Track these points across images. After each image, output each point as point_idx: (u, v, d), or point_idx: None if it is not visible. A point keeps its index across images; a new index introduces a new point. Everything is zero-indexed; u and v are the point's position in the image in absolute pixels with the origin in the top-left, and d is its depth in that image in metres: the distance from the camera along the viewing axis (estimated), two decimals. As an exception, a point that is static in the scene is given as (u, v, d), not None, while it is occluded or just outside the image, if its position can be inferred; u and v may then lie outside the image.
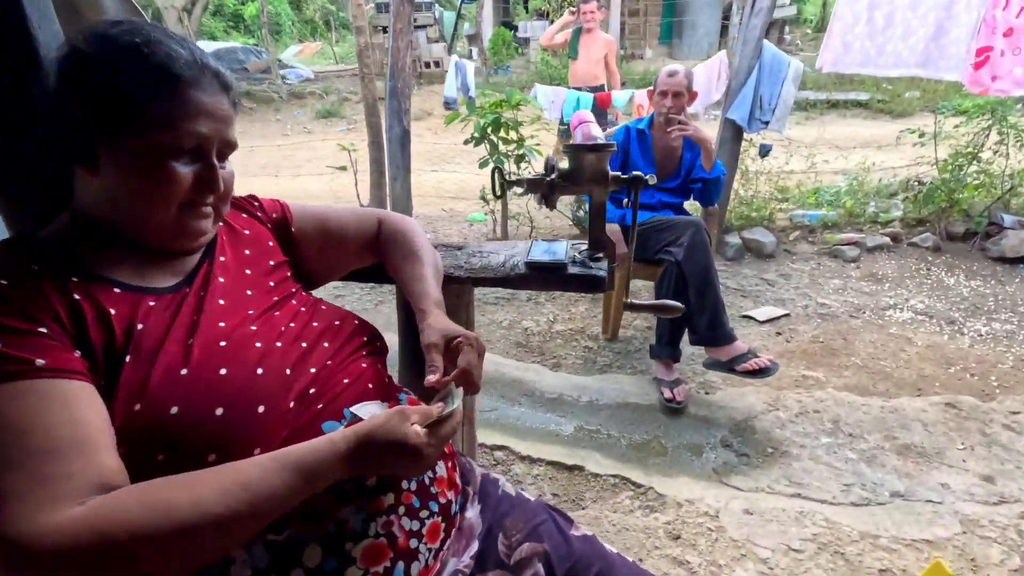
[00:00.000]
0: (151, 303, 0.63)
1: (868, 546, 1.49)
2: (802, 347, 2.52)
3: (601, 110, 4.09)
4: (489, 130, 3.09)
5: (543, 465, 1.83)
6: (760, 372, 1.99)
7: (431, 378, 0.69)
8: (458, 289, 1.00)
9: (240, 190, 0.80)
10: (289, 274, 0.81)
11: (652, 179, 0.90)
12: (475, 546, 0.75)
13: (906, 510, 1.62)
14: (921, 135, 3.74)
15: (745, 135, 3.35)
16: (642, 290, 3.09)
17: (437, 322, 0.76)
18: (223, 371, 0.59)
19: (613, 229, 2.29)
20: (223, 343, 0.62)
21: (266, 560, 0.57)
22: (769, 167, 3.87)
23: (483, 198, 3.41)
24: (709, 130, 2.53)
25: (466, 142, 3.18)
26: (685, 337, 2.17)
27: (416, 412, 0.60)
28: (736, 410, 2.10)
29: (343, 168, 3.30)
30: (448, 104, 4.75)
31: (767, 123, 3.17)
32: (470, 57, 9.79)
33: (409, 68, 3.17)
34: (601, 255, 0.94)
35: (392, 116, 3.21)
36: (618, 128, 2.51)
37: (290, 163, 6.71)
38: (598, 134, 0.89)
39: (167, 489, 0.51)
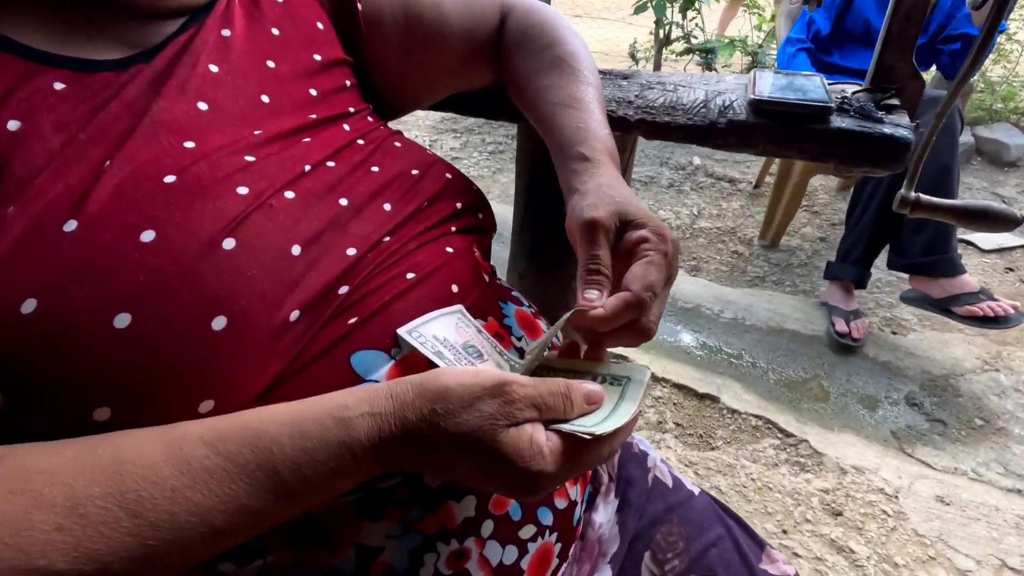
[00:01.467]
0: (57, 85, 0.33)
1: None
2: (1044, 292, 1.87)
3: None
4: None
5: (668, 387, 1.52)
6: (993, 321, 1.45)
7: (591, 295, 0.35)
8: (616, 138, 0.62)
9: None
10: (349, 83, 0.48)
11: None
12: (607, 573, 0.46)
13: None
14: None
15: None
16: (818, 191, 2.45)
17: (613, 188, 0.40)
18: (147, 236, 0.30)
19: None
20: (170, 178, 0.32)
21: None
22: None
23: (632, 55, 2.81)
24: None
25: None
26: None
27: (549, 394, 0.28)
28: (933, 361, 1.60)
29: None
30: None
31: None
32: None
33: None
34: (895, 99, 0.50)
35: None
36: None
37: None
38: None
39: None
